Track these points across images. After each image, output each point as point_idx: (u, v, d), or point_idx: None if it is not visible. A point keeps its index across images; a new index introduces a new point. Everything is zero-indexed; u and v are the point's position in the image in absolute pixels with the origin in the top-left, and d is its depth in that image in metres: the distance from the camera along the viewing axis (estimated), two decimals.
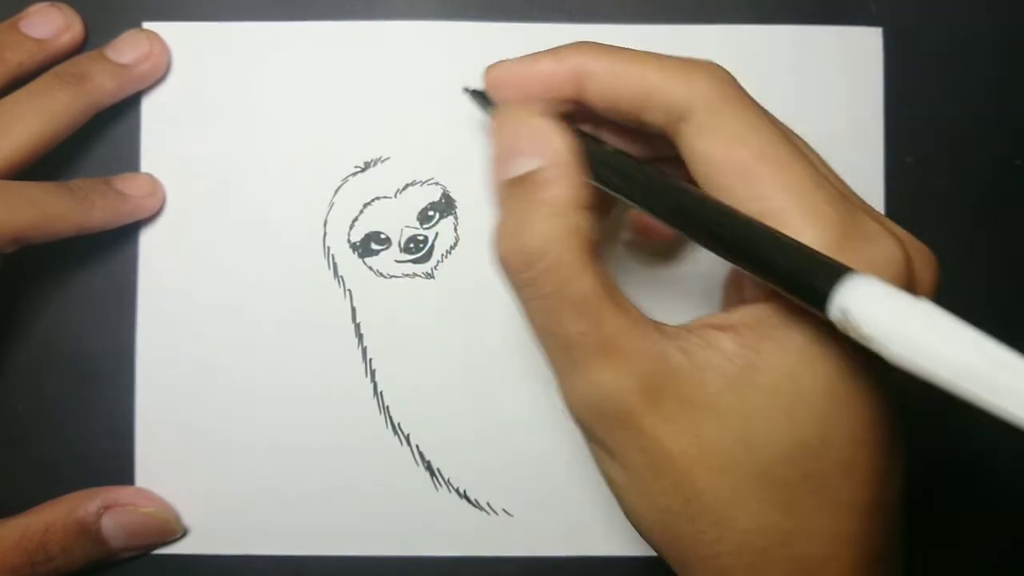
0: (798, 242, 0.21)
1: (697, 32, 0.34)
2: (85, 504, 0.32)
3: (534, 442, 0.33)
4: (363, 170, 0.34)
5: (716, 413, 0.22)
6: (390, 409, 0.33)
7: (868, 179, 0.34)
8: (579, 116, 0.26)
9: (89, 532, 0.32)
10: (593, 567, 0.33)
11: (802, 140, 0.25)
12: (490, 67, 0.26)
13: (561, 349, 0.23)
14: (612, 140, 0.27)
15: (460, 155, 0.34)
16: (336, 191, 0.34)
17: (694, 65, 0.24)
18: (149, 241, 0.34)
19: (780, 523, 0.22)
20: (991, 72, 0.35)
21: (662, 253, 0.33)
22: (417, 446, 0.33)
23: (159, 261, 0.33)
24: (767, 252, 0.21)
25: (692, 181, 0.24)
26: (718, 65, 0.24)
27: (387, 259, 0.34)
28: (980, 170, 0.35)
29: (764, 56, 0.34)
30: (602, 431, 0.23)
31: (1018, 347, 0.36)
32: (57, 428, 0.33)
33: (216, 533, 0.33)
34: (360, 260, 0.34)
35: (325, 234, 0.34)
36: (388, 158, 0.34)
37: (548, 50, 0.25)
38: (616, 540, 0.33)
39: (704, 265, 0.33)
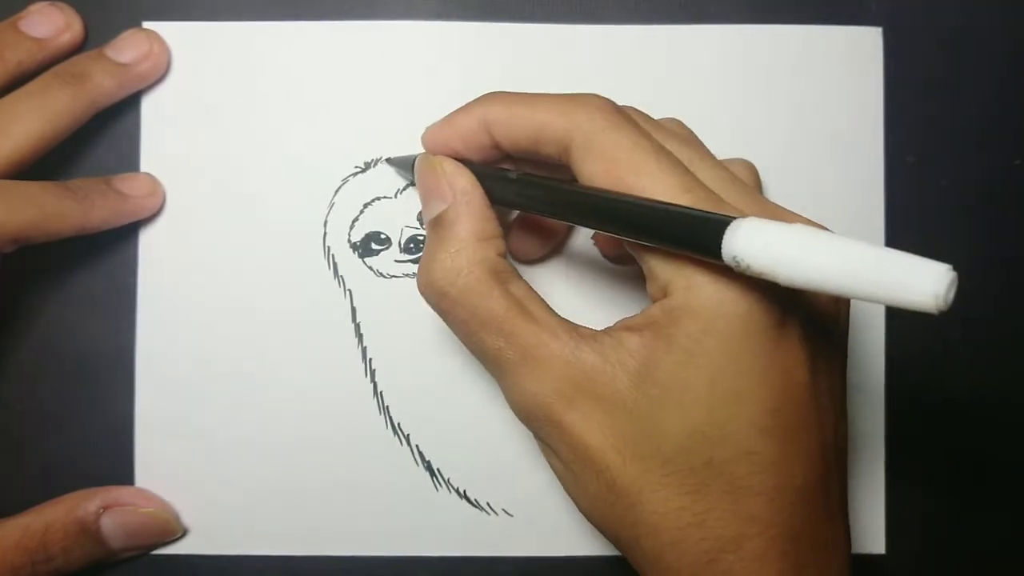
0: (684, 208, 0.23)
1: (697, 32, 0.34)
2: (85, 504, 0.32)
3: (534, 442, 0.33)
4: (363, 170, 0.34)
5: (624, 407, 0.24)
6: (390, 409, 0.33)
7: (868, 179, 0.34)
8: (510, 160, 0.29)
9: (89, 532, 0.32)
10: (593, 567, 0.33)
11: (695, 148, 0.28)
12: (425, 131, 0.30)
13: (489, 363, 0.26)
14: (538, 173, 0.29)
15: None
16: (336, 191, 0.34)
17: (575, 100, 0.26)
18: (149, 241, 0.34)
19: (690, 506, 0.24)
20: (991, 72, 0.35)
21: (545, 258, 0.34)
22: (417, 446, 0.33)
23: (159, 261, 0.33)
24: (657, 222, 0.23)
25: None
26: (598, 97, 0.27)
27: (387, 259, 0.34)
28: (980, 170, 0.35)
29: (764, 56, 0.34)
30: (535, 428, 0.26)
31: (1019, 346, 0.36)
32: (57, 428, 0.33)
33: (216, 533, 0.33)
34: (360, 260, 0.34)
35: (325, 234, 0.34)
36: (388, 158, 0.34)
37: (461, 107, 0.29)
38: None
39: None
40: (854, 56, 0.34)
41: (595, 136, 0.25)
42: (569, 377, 0.24)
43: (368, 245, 0.34)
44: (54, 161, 0.32)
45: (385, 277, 0.34)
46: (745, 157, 0.33)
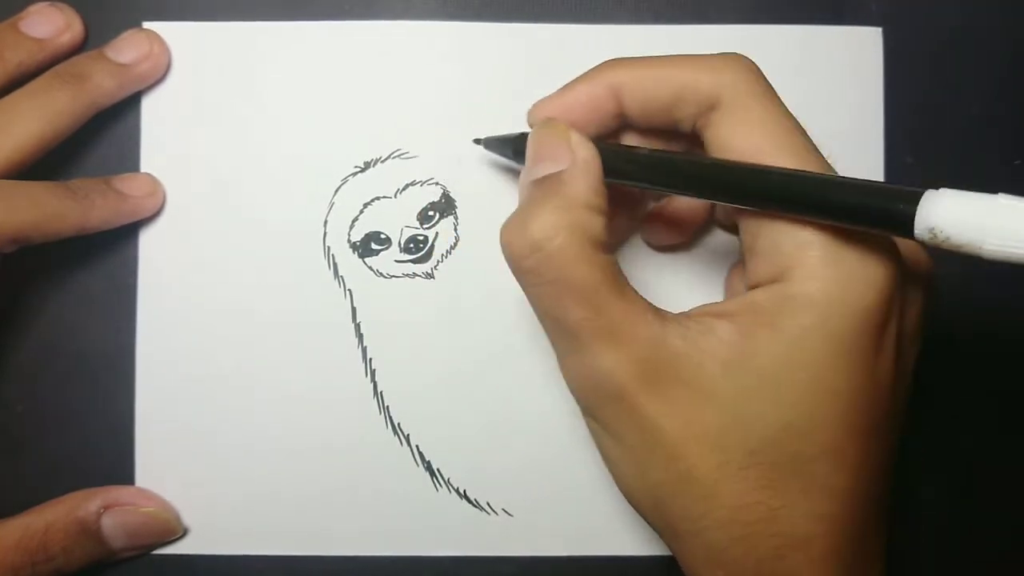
0: (868, 181, 0.22)
1: (697, 32, 0.34)
2: (85, 504, 0.32)
3: (534, 442, 0.33)
4: (363, 170, 0.34)
5: (710, 395, 0.23)
6: (390, 409, 0.33)
7: (868, 179, 0.34)
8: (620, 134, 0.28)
9: (89, 532, 0.32)
10: (593, 567, 0.33)
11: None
12: (534, 106, 0.28)
13: (563, 332, 0.25)
14: (649, 145, 0.28)
15: (460, 155, 0.34)
16: (336, 191, 0.34)
17: (721, 58, 0.25)
18: (149, 241, 0.34)
19: (765, 501, 0.23)
20: (991, 72, 0.35)
21: (676, 247, 0.33)
22: (417, 446, 0.33)
23: (159, 261, 0.33)
24: (829, 193, 0.22)
25: None
26: (744, 57, 0.26)
27: (387, 259, 0.34)
28: (980, 170, 0.35)
29: (764, 56, 0.33)
30: (599, 408, 0.25)
31: (1018, 346, 0.36)
32: (57, 428, 0.33)
33: (216, 533, 0.33)
34: (360, 260, 0.34)
35: (325, 234, 0.34)
36: (388, 158, 0.34)
37: (581, 75, 0.27)
38: (616, 540, 0.33)
39: (711, 258, 0.33)
40: (854, 56, 0.34)
41: (746, 98, 0.24)
42: (653, 359, 0.23)
43: (368, 245, 0.34)
44: (54, 161, 0.32)
45: (385, 277, 0.34)
46: None
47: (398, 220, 0.34)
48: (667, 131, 0.27)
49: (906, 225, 0.20)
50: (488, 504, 0.33)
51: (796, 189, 0.23)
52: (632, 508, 0.26)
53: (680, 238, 0.32)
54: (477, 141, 0.32)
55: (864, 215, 0.21)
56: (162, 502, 0.33)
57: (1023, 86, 0.35)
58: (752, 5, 0.34)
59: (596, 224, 0.24)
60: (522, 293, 0.33)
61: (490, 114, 0.34)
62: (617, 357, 0.23)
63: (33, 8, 0.33)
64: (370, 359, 0.33)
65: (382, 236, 0.34)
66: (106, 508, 0.32)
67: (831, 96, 0.34)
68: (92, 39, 0.33)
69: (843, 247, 0.23)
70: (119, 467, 0.33)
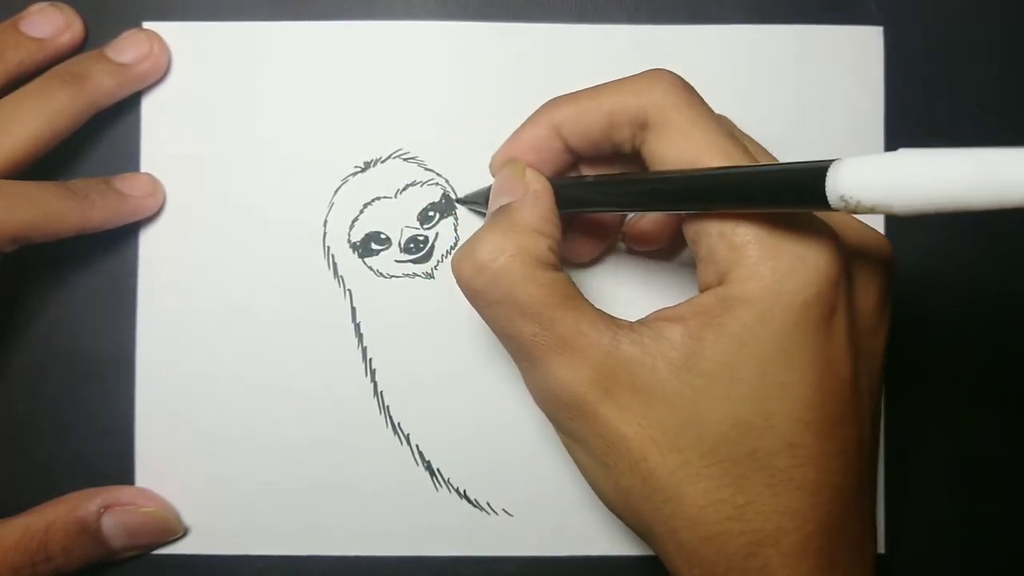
0: (779, 164, 0.23)
1: (697, 32, 0.34)
2: (85, 504, 0.32)
3: (534, 442, 0.33)
4: (363, 170, 0.34)
5: (664, 398, 0.24)
6: (390, 409, 0.33)
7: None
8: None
9: (90, 532, 0.32)
10: (593, 567, 0.33)
11: (743, 134, 0.28)
12: (493, 156, 0.30)
13: (518, 349, 0.26)
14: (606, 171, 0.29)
15: (460, 155, 0.34)
16: (336, 191, 0.34)
17: (643, 77, 0.27)
18: (149, 241, 0.34)
19: (730, 498, 0.23)
20: (991, 72, 0.35)
21: (655, 257, 0.34)
22: (417, 446, 0.33)
23: (159, 261, 0.33)
24: (753, 183, 0.22)
25: None
26: (667, 71, 0.27)
27: (387, 259, 0.34)
28: None
29: (764, 56, 0.34)
30: (564, 420, 0.26)
31: (1018, 347, 0.35)
32: (57, 428, 0.33)
33: (216, 533, 0.33)
34: (360, 260, 0.34)
35: (325, 234, 0.34)
36: (388, 158, 0.34)
37: (526, 121, 0.29)
38: (616, 540, 0.33)
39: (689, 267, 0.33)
40: (854, 56, 0.34)
41: (671, 112, 0.25)
42: (607, 367, 0.24)
43: (368, 245, 0.34)
44: (54, 161, 0.32)
45: (385, 277, 0.34)
46: None
47: (398, 220, 0.34)
48: (614, 156, 0.28)
49: (820, 197, 0.20)
50: (488, 504, 0.34)
51: (714, 184, 0.23)
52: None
53: (655, 246, 0.33)
54: (459, 201, 0.34)
55: (781, 195, 0.22)
56: (162, 502, 0.33)
57: (1022, 86, 0.35)
58: (752, 5, 0.34)
59: (541, 246, 0.25)
60: None
61: (490, 114, 0.34)
62: (571, 368, 0.24)
63: (33, 8, 0.33)
64: (370, 359, 0.33)
65: (382, 236, 0.34)
66: (106, 508, 0.32)
67: (831, 96, 0.34)
68: (92, 39, 0.33)
69: (779, 242, 0.23)
70: (119, 467, 0.33)
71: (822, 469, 0.24)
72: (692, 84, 0.27)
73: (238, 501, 0.33)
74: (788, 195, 0.21)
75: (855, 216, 0.26)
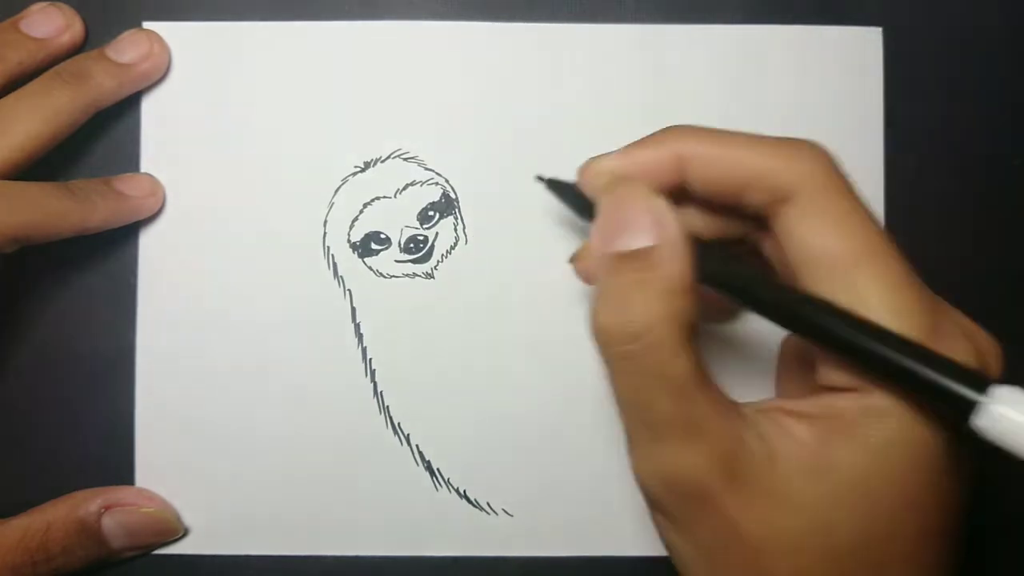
0: (938, 353, 0.21)
1: (697, 32, 0.34)
2: (86, 504, 0.32)
3: (534, 442, 0.33)
4: (363, 170, 0.34)
5: (788, 500, 0.22)
6: (390, 409, 0.33)
7: (868, 179, 0.34)
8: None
9: (90, 532, 0.32)
10: (593, 567, 0.33)
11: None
12: (590, 162, 0.26)
13: (644, 423, 0.23)
14: (700, 216, 0.27)
15: (460, 155, 0.34)
16: (336, 191, 0.34)
17: (796, 146, 0.24)
18: (149, 241, 0.34)
19: None
20: (991, 72, 0.35)
21: (716, 319, 0.32)
22: (417, 446, 0.33)
23: (159, 261, 0.33)
24: (907, 361, 0.21)
25: (774, 260, 0.25)
26: (819, 145, 0.24)
27: (387, 259, 0.34)
28: (980, 170, 0.35)
29: (764, 56, 0.34)
30: (674, 505, 0.23)
31: (1016, 346, 0.36)
32: (57, 428, 0.33)
33: (216, 533, 0.33)
34: (360, 260, 0.34)
35: (325, 234, 0.34)
36: (388, 158, 0.34)
37: (646, 138, 0.26)
38: (616, 540, 0.33)
39: (755, 332, 0.33)
40: (854, 56, 0.34)
41: (825, 195, 0.23)
42: (732, 457, 0.22)
43: (368, 245, 0.34)
44: (54, 161, 0.32)
45: (385, 277, 0.34)
46: None
47: (398, 220, 0.34)
48: (730, 210, 0.26)
49: (965, 412, 0.20)
50: (488, 504, 0.34)
51: (870, 349, 0.22)
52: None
53: (723, 318, 0.31)
54: (540, 179, 0.29)
55: (928, 392, 0.21)
56: (162, 502, 0.33)
57: (1023, 86, 0.35)
58: (752, 5, 0.34)
59: (691, 311, 0.23)
60: (523, 293, 0.33)
61: (490, 114, 0.34)
62: (699, 454, 0.22)
63: (33, 8, 0.33)
64: (370, 359, 0.33)
65: (382, 236, 0.34)
66: (106, 508, 0.32)
67: (831, 96, 0.34)
68: (92, 39, 0.33)
69: None
70: (119, 467, 0.33)
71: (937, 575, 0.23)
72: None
73: (238, 501, 0.33)
74: (935, 392, 0.21)
75: (970, 320, 0.25)
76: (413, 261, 0.34)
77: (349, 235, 0.34)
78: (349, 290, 0.34)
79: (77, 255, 0.33)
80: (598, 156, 0.26)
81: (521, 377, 0.33)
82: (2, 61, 0.32)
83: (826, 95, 0.34)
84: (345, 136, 0.34)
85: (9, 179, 0.30)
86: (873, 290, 0.23)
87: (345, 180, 0.34)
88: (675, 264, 0.23)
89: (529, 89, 0.34)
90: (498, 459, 0.33)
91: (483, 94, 0.34)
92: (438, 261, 0.34)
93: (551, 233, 0.33)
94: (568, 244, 0.34)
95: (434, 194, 0.34)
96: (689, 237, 0.24)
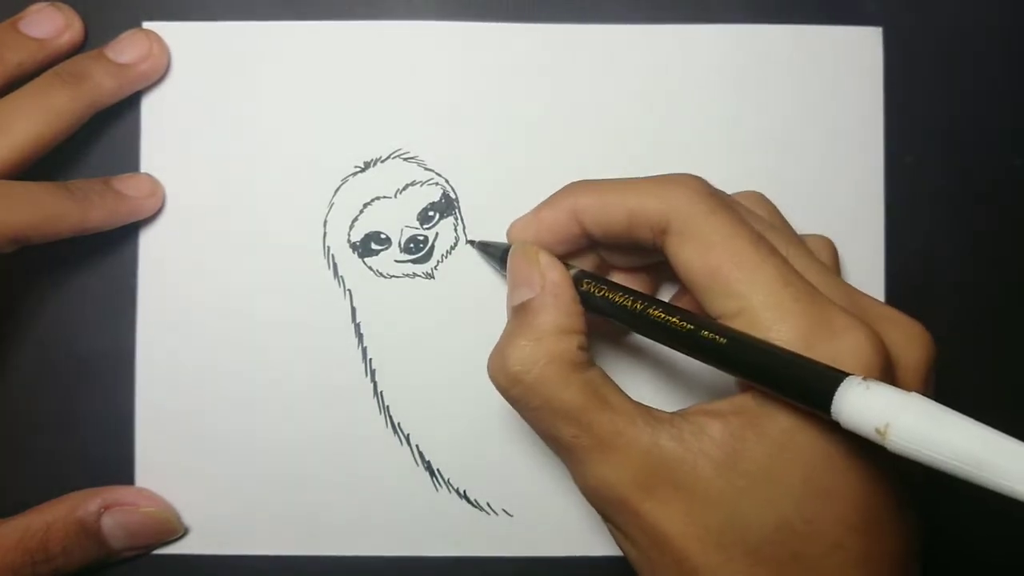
0: (793, 356, 0.23)
1: (697, 32, 0.34)
2: (86, 504, 0.32)
3: (535, 442, 0.33)
4: (363, 170, 0.34)
5: (706, 496, 0.24)
6: (390, 409, 0.33)
7: (868, 179, 0.34)
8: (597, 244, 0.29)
9: (90, 532, 0.32)
10: (593, 567, 0.33)
11: (783, 230, 0.27)
12: (510, 226, 0.30)
13: (561, 449, 0.26)
14: (616, 253, 0.30)
15: (460, 155, 0.34)
16: (336, 191, 0.34)
17: (668, 181, 0.27)
18: (149, 241, 0.34)
19: None
20: (991, 72, 0.35)
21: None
22: (417, 446, 0.33)
23: (159, 261, 0.33)
24: (768, 364, 0.23)
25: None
26: (692, 177, 0.27)
27: (387, 259, 0.34)
28: (980, 170, 0.35)
29: (764, 56, 0.34)
30: (609, 514, 0.26)
31: (1015, 346, 0.35)
32: (57, 428, 0.33)
33: (216, 533, 0.33)
34: (360, 260, 0.34)
35: (325, 234, 0.34)
36: (388, 158, 0.34)
37: (546, 200, 0.29)
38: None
39: None
40: (854, 56, 0.34)
41: (693, 220, 0.25)
42: (647, 465, 0.24)
43: (368, 245, 0.34)
44: (54, 161, 0.32)
45: (385, 277, 0.34)
46: (744, 158, 0.33)
47: (398, 220, 0.34)
48: (634, 247, 0.28)
49: (823, 406, 0.21)
50: (488, 504, 0.34)
51: (741, 360, 0.23)
52: None
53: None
54: (470, 242, 0.33)
55: (788, 391, 0.23)
56: (162, 502, 0.33)
57: (1023, 86, 0.35)
58: (752, 5, 0.34)
59: (571, 347, 0.26)
60: None
61: (490, 114, 0.34)
62: (613, 468, 0.24)
63: (33, 8, 0.33)
64: (370, 359, 0.33)
65: (382, 236, 0.34)
66: (106, 508, 0.32)
67: (831, 96, 0.34)
68: (92, 39, 0.33)
69: (818, 347, 0.23)
70: (119, 467, 0.33)
71: (869, 570, 0.24)
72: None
73: (238, 501, 0.33)
74: (795, 392, 0.22)
75: (893, 309, 0.26)
76: (413, 261, 0.34)
77: (349, 235, 0.34)
78: (349, 290, 0.34)
79: (77, 255, 0.33)
80: (514, 220, 0.30)
81: None
82: (2, 62, 0.31)
83: (826, 95, 0.34)
84: (345, 136, 0.34)
85: (9, 179, 0.30)
86: (748, 294, 0.24)
87: (345, 180, 0.34)
88: (549, 310, 0.26)
89: (529, 89, 0.34)
90: (498, 459, 0.33)
91: (483, 94, 0.34)
92: (438, 261, 0.34)
93: None
94: None
95: (434, 194, 0.34)
96: (570, 285, 0.27)
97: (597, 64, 0.34)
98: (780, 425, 0.23)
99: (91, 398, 0.33)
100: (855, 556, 0.23)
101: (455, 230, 0.34)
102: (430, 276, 0.34)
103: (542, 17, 0.34)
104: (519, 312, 0.27)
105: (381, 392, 0.33)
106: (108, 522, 0.32)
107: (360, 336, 0.33)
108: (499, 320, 0.33)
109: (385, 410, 0.33)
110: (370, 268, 0.34)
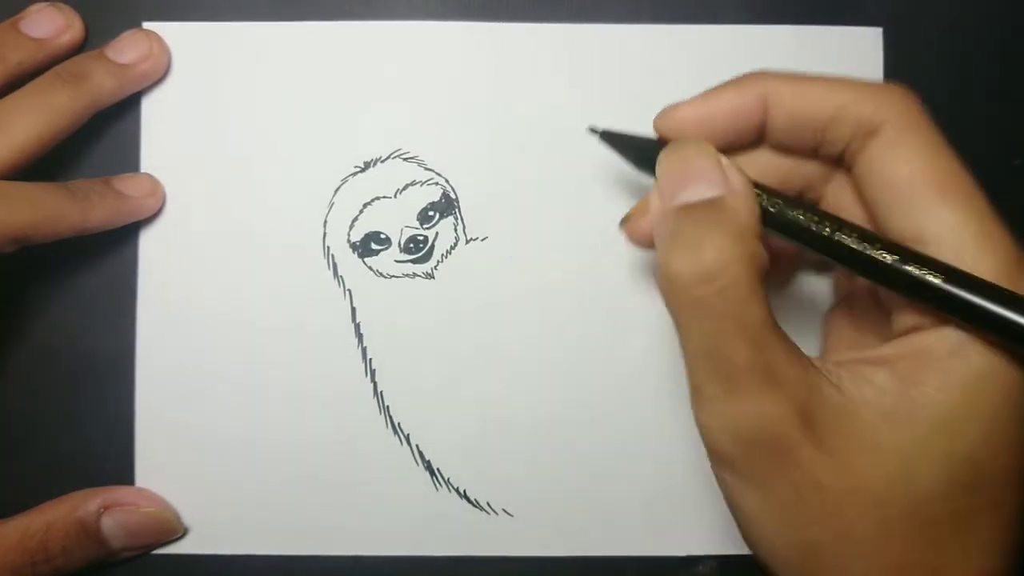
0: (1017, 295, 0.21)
1: (697, 32, 0.34)
2: (85, 504, 0.32)
3: (534, 442, 0.33)
4: (363, 170, 0.34)
5: (870, 449, 0.22)
6: (390, 409, 0.33)
7: None
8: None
9: (89, 532, 0.32)
10: (593, 567, 0.33)
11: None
12: (668, 110, 0.27)
13: (718, 372, 0.23)
14: (768, 163, 0.27)
15: (460, 155, 0.34)
16: (336, 191, 0.34)
17: (885, 86, 0.25)
18: (149, 241, 0.34)
19: (927, 559, 0.22)
20: (991, 72, 0.35)
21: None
22: (417, 446, 0.33)
23: (159, 261, 0.33)
24: (986, 304, 0.21)
25: (842, 210, 0.25)
26: (908, 88, 0.25)
27: (387, 259, 0.34)
28: (980, 170, 0.34)
29: (764, 56, 0.34)
30: (748, 459, 0.23)
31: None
32: (57, 428, 0.33)
33: (216, 533, 0.33)
34: (360, 260, 0.34)
35: (325, 234, 0.34)
36: (388, 158, 0.34)
37: (727, 83, 0.26)
38: (616, 540, 0.33)
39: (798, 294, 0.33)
40: (854, 56, 0.34)
41: (914, 127, 0.24)
42: (810, 407, 0.22)
43: (368, 245, 0.34)
44: (54, 161, 0.32)
45: (385, 277, 0.34)
46: None
47: (398, 220, 0.34)
48: (808, 151, 0.26)
49: None
50: (488, 504, 0.34)
51: (956, 292, 0.22)
52: (763, 555, 0.24)
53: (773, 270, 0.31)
54: (593, 131, 0.29)
55: (1005, 332, 0.21)
56: (162, 502, 0.33)
57: (1023, 86, 0.35)
58: (752, 5, 0.34)
59: (763, 256, 0.23)
60: (522, 292, 0.33)
61: (490, 114, 0.34)
62: (778, 403, 0.22)
63: (33, 8, 0.33)
64: (370, 359, 0.33)
65: (382, 236, 0.34)
66: (106, 508, 0.32)
67: None
68: (92, 39, 0.33)
69: None
70: (119, 467, 0.33)
71: (1016, 530, 0.22)
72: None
73: (238, 501, 0.33)
74: (1012, 336, 0.21)
75: None
76: (413, 261, 0.34)
77: (349, 235, 0.34)
78: (349, 290, 0.34)
79: (77, 255, 0.33)
80: (675, 104, 0.26)
81: (521, 377, 0.33)
82: (2, 61, 0.32)
83: None
84: (345, 136, 0.34)
85: (9, 179, 0.30)
86: (959, 218, 0.22)
87: (345, 180, 0.34)
88: (746, 208, 0.23)
89: (529, 89, 0.34)
90: (498, 459, 0.33)
91: (483, 94, 0.34)
92: (438, 261, 0.34)
93: (551, 233, 0.33)
94: (568, 243, 0.34)
95: (434, 194, 0.34)
96: (751, 187, 0.24)
97: (597, 64, 0.34)
98: (973, 369, 0.21)
99: (91, 398, 0.33)
100: (1009, 514, 0.22)
101: (455, 230, 0.34)
102: (430, 276, 0.34)
103: (542, 17, 0.34)
104: (701, 210, 0.23)
105: (381, 392, 0.33)
106: (108, 522, 0.32)
107: (360, 336, 0.33)
108: (499, 320, 0.33)
109: (385, 410, 0.33)
110: (370, 268, 0.34)
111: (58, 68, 0.32)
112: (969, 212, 0.22)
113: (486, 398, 0.33)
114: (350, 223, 0.34)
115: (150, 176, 0.33)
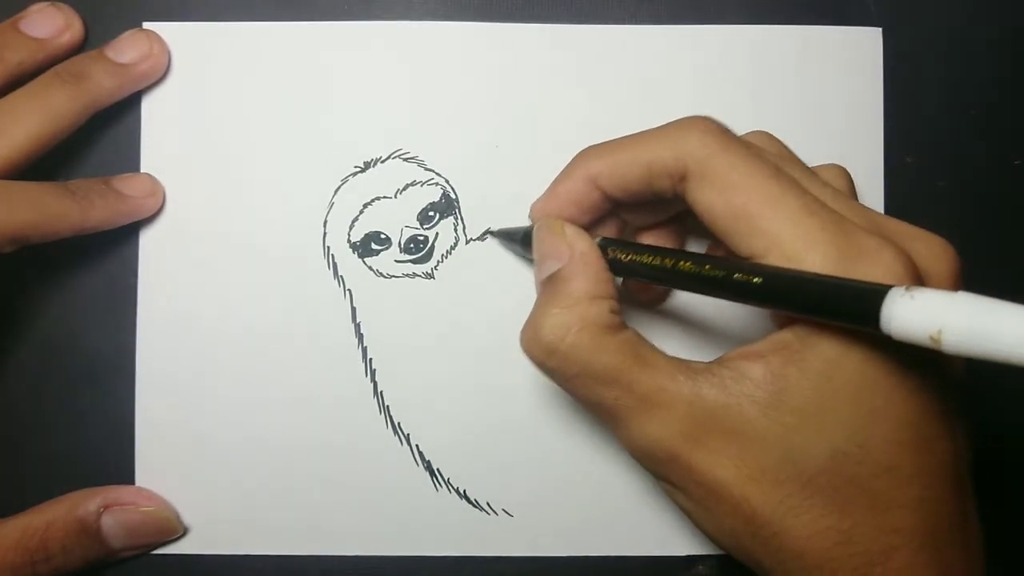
0: (833, 278, 0.23)
1: (697, 32, 0.34)
2: (85, 503, 0.32)
3: (534, 442, 0.33)
4: (363, 170, 0.34)
5: (756, 437, 0.24)
6: (390, 409, 0.33)
7: (868, 179, 0.34)
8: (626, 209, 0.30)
9: (89, 531, 0.32)
10: (593, 567, 0.33)
11: (795, 163, 0.27)
12: (532, 206, 0.30)
13: (605, 414, 0.26)
14: (646, 216, 0.30)
15: (460, 155, 0.34)
16: (336, 191, 0.34)
17: (676, 127, 0.26)
18: (149, 241, 0.34)
19: (835, 525, 0.24)
20: (991, 72, 0.35)
21: (653, 302, 0.34)
22: (417, 446, 0.33)
23: (159, 261, 0.33)
24: (809, 293, 0.23)
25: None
26: (700, 118, 0.26)
27: (387, 259, 0.34)
28: (980, 170, 0.35)
29: (764, 56, 0.34)
30: (661, 471, 0.26)
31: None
32: (57, 428, 0.33)
33: (216, 533, 0.33)
34: (360, 260, 0.34)
35: (325, 234, 0.34)
36: (388, 158, 0.34)
37: (560, 173, 0.29)
38: (616, 540, 0.33)
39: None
40: (854, 56, 0.34)
41: (709, 162, 0.25)
42: (692, 416, 0.24)
43: (368, 245, 0.34)
44: (54, 161, 0.32)
45: (385, 277, 0.34)
46: None
47: (398, 220, 0.34)
48: (657, 202, 0.28)
49: (873, 322, 0.21)
50: (488, 504, 0.34)
51: (776, 289, 0.23)
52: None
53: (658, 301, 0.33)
54: (486, 234, 0.33)
55: (834, 313, 0.22)
56: (162, 501, 0.33)
57: (1023, 86, 0.35)
58: (752, 5, 0.34)
59: (603, 311, 0.26)
60: (522, 292, 0.33)
61: (490, 114, 0.34)
62: (659, 425, 0.25)
63: (33, 8, 0.33)
64: (370, 359, 0.33)
65: (382, 236, 0.34)
66: (106, 508, 0.32)
67: (831, 96, 0.34)
68: (92, 39, 0.33)
69: (855, 272, 0.23)
70: (119, 467, 0.33)
71: (923, 486, 0.24)
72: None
73: (238, 501, 0.33)
74: (842, 313, 0.22)
75: (913, 226, 0.26)
76: (413, 261, 0.34)
77: (349, 235, 0.34)
78: (349, 290, 0.34)
79: (77, 255, 0.33)
80: (536, 201, 0.29)
81: (521, 377, 0.33)
82: (2, 61, 0.32)
83: (826, 95, 0.34)
84: (345, 136, 0.34)
85: (9, 179, 0.30)
86: (774, 229, 0.24)
87: (345, 180, 0.34)
88: (578, 278, 0.26)
89: (529, 89, 0.34)
90: (498, 459, 0.33)
91: (483, 94, 0.34)
92: (438, 261, 0.34)
93: None
94: None
95: (434, 194, 0.34)
96: (597, 252, 0.27)
97: (597, 64, 0.34)
98: (823, 355, 0.23)
99: (91, 398, 0.33)
100: (908, 473, 0.24)
101: (455, 230, 0.34)
102: (430, 276, 0.34)
103: (542, 17, 0.34)
104: (549, 283, 0.27)
105: (381, 392, 0.33)
106: (108, 521, 0.32)
107: (360, 336, 0.33)
108: (499, 320, 0.33)
109: (385, 410, 0.33)
110: (370, 268, 0.34)
111: (58, 68, 0.32)
112: (783, 222, 0.24)
113: (486, 398, 0.33)
114: (350, 223, 0.34)
115: (150, 176, 0.33)
